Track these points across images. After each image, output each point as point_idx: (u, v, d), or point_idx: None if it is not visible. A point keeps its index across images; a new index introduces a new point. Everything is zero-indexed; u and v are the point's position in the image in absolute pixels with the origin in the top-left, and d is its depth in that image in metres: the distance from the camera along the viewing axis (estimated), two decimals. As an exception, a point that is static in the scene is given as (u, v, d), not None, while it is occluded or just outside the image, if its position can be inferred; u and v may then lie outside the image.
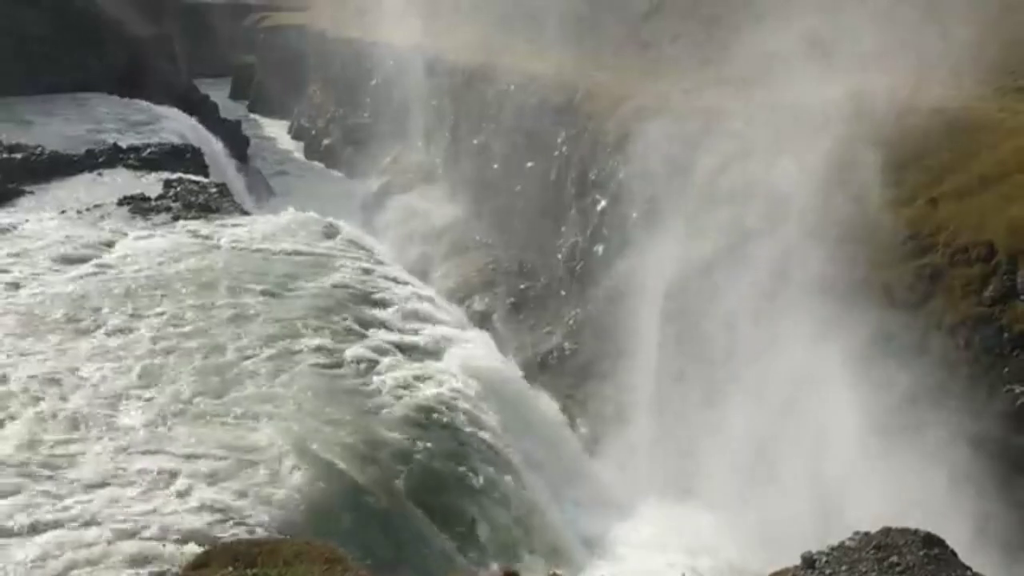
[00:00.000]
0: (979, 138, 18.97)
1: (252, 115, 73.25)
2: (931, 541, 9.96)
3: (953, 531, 11.00)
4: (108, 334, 17.37)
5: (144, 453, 13.53)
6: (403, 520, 14.11)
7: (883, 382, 16.86)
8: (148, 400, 15.06)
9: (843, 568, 9.92)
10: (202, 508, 12.37)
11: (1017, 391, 15.62)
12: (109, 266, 20.97)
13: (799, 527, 15.18)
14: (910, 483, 15.58)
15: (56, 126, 35.79)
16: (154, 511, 12.18)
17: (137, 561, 11.24)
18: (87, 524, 11.84)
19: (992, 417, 15.83)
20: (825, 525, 13.58)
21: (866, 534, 10.27)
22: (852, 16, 21.83)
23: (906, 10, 21.16)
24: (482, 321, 30.51)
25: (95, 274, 20.41)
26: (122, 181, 29.10)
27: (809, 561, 10.18)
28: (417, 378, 17.13)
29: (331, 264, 22.12)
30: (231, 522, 12.16)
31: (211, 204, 26.24)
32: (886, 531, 10.18)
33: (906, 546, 9.88)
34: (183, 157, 33.00)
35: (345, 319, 18.97)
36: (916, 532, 10.08)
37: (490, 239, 37.04)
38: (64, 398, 14.96)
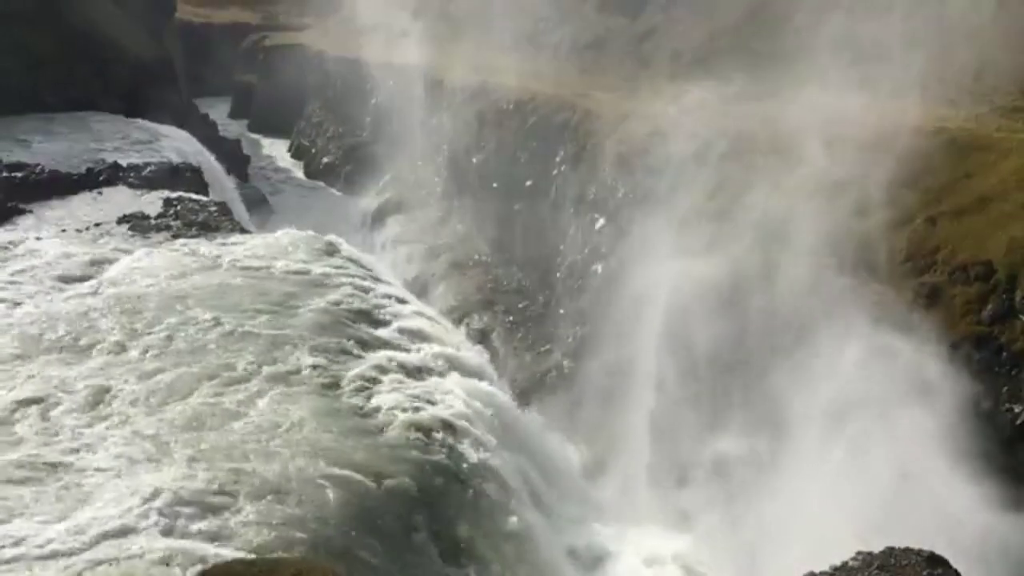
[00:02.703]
0: (978, 158, 19.07)
1: (252, 134, 73.23)
2: (935, 561, 9.90)
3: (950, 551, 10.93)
4: (108, 353, 17.35)
5: (142, 472, 13.48)
6: (400, 539, 14.05)
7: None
8: (148, 419, 15.03)
9: (846, 588, 9.87)
10: (200, 528, 12.31)
11: (1017, 410, 15.60)
12: (109, 285, 20.95)
13: (794, 551, 15.09)
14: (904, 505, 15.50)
15: (56, 145, 35.76)
16: (151, 531, 12.11)
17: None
18: (81, 545, 11.76)
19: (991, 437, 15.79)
20: (821, 549, 13.50)
21: (869, 554, 10.22)
22: (851, 37, 21.96)
23: (905, 31, 21.29)
24: (481, 339, 30.45)
25: (95, 293, 20.39)
26: (122, 199, 29.07)
27: (812, 581, 10.13)
28: (416, 397, 17.09)
29: (331, 282, 22.09)
30: (229, 542, 12.09)
31: (211, 223, 26.25)
32: (889, 551, 10.12)
33: (910, 566, 9.82)
34: (183, 176, 33.00)
35: (345, 338, 18.95)
36: (919, 552, 10.03)
37: (489, 257, 37.04)
38: (62, 417, 14.92)
